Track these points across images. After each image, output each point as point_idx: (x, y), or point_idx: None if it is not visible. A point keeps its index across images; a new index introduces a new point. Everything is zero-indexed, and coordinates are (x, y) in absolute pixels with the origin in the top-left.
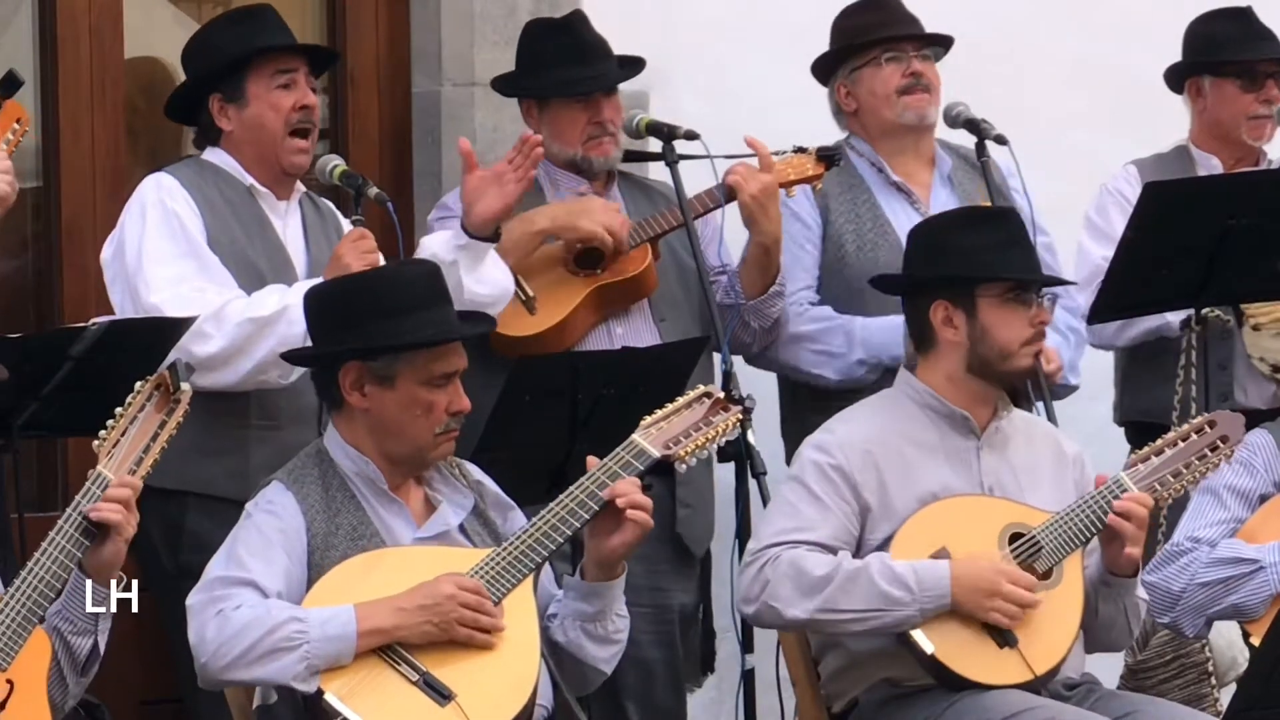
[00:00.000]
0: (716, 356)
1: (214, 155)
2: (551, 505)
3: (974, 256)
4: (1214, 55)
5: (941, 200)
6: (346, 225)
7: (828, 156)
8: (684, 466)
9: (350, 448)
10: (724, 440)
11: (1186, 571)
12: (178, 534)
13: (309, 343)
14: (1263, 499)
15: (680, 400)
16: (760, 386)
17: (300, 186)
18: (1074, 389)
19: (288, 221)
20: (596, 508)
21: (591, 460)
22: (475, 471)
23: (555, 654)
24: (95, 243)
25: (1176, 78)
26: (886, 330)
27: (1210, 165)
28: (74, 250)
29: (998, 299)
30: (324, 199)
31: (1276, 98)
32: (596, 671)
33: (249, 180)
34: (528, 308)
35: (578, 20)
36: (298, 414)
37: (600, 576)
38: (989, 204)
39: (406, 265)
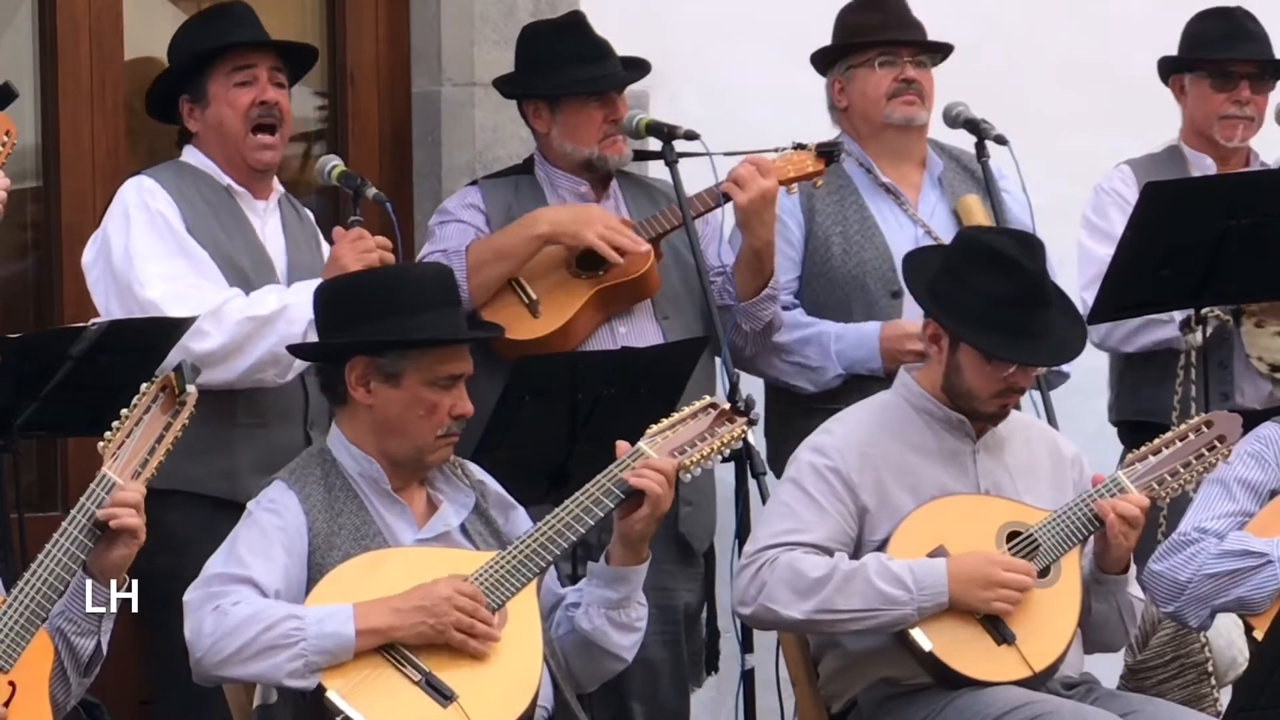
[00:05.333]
0: (718, 357)
1: (192, 156)
2: (557, 510)
3: (970, 302)
4: (1192, 53)
5: (931, 202)
6: (324, 239)
7: (827, 152)
8: (689, 476)
9: (354, 447)
10: (728, 451)
11: (1194, 561)
12: (152, 535)
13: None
14: (1272, 494)
15: (686, 410)
16: (751, 386)
17: (279, 187)
18: (1066, 377)
19: (267, 221)
20: (602, 514)
21: (622, 446)
22: (477, 471)
23: (576, 645)
24: None
25: (1164, 74)
26: (860, 343)
27: (1203, 164)
28: (74, 250)
29: (975, 351)
30: (304, 207)
31: (1249, 99)
32: (618, 660)
33: (226, 180)
34: (531, 311)
35: (581, 20)
36: (285, 413)
37: (626, 560)
38: (990, 204)
39: (418, 265)
